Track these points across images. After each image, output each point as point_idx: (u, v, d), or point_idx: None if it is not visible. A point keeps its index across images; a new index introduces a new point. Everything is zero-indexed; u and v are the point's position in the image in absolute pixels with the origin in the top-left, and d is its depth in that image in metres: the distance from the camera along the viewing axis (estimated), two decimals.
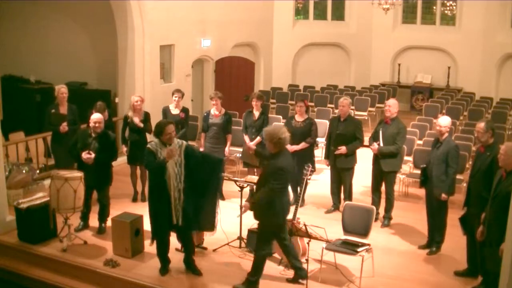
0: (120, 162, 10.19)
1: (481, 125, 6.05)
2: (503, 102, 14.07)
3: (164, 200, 6.08)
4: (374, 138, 7.79)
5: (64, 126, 8.45)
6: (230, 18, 14.09)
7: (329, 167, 8.36)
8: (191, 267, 6.41)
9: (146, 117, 8.66)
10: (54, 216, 7.32)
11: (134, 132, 8.63)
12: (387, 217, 7.85)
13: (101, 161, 7.27)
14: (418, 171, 7.94)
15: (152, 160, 6.08)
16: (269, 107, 13.97)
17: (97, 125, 7.28)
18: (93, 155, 7.17)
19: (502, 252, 5.04)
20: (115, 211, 7.63)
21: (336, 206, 8.29)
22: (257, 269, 5.98)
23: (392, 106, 7.71)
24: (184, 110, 9.03)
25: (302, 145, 8.15)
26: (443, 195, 6.70)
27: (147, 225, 7.10)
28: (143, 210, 7.83)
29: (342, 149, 7.93)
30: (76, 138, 7.47)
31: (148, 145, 6.22)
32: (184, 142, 6.28)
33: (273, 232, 5.97)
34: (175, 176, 6.04)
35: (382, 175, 7.76)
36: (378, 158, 7.71)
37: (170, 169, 6.03)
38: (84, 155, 7.15)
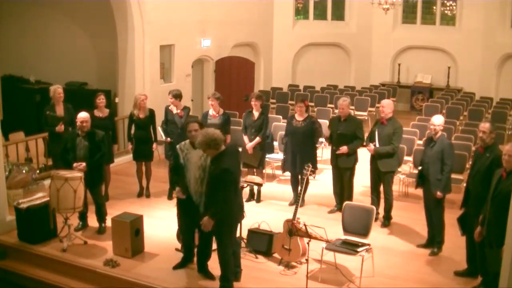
0: (121, 162, 10.24)
1: (486, 125, 6.01)
2: (503, 102, 14.07)
3: (186, 202, 6.13)
4: (371, 138, 7.80)
5: (60, 126, 8.48)
6: (230, 18, 14.09)
7: (331, 167, 8.36)
8: (205, 271, 6.37)
9: (151, 114, 8.77)
10: (54, 216, 7.32)
11: (139, 129, 8.71)
12: (387, 217, 7.85)
13: (94, 165, 7.27)
14: None
15: (174, 161, 6.26)
16: (269, 107, 13.97)
17: (84, 124, 7.25)
18: (84, 164, 7.16)
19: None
20: (115, 211, 7.63)
21: (339, 207, 8.24)
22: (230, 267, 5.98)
23: (385, 106, 7.72)
24: (185, 109, 9.06)
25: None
26: (438, 193, 6.71)
27: (147, 226, 7.13)
28: (143, 210, 7.86)
29: (344, 148, 7.93)
30: (65, 141, 7.47)
31: (178, 145, 6.28)
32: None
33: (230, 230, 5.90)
34: (195, 180, 5.96)
35: (380, 175, 7.76)
36: (375, 158, 7.71)
37: (191, 173, 6.01)
38: (75, 166, 7.15)
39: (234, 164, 5.79)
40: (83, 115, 7.30)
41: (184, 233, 6.48)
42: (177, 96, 8.91)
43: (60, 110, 8.68)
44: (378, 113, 13.37)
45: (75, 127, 7.48)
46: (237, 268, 6.19)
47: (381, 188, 7.88)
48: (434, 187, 6.75)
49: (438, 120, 6.90)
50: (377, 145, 7.65)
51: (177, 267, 6.48)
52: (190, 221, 6.25)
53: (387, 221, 7.83)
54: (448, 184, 6.82)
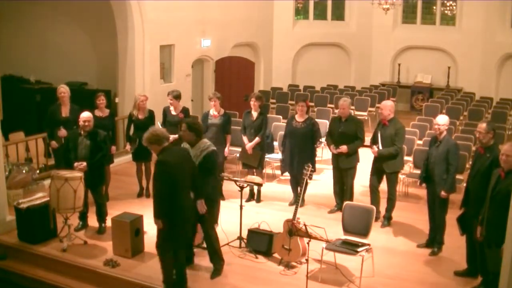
0: (121, 162, 10.23)
1: (482, 125, 6.03)
2: (503, 102, 14.07)
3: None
4: (374, 140, 7.79)
5: (54, 144, 8.63)
6: (230, 18, 14.10)
7: (331, 167, 8.36)
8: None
9: (150, 115, 8.77)
10: (54, 216, 7.32)
11: (138, 129, 8.69)
12: (387, 217, 7.84)
13: (95, 165, 7.27)
14: (418, 171, 7.94)
15: None
16: (269, 107, 13.97)
17: (86, 123, 7.26)
18: (85, 163, 7.17)
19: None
20: (115, 211, 7.63)
21: (339, 206, 8.22)
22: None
23: (383, 108, 7.72)
24: (184, 110, 9.05)
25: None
26: (443, 193, 6.71)
27: (147, 226, 7.13)
28: (143, 209, 7.84)
29: (343, 148, 7.93)
30: (67, 140, 7.48)
31: (182, 144, 6.46)
32: (211, 148, 6.23)
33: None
34: None
35: (382, 175, 7.76)
36: (379, 159, 7.71)
37: None
38: (76, 166, 7.15)
39: (175, 159, 5.67)
40: (86, 115, 7.32)
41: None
42: (178, 97, 8.93)
43: (66, 110, 8.62)
44: (378, 113, 13.41)
45: (78, 127, 7.49)
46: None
47: (380, 187, 7.88)
48: (439, 187, 6.75)
49: (442, 120, 6.89)
50: (380, 146, 7.64)
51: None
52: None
53: (387, 221, 7.83)
54: (453, 184, 6.82)
